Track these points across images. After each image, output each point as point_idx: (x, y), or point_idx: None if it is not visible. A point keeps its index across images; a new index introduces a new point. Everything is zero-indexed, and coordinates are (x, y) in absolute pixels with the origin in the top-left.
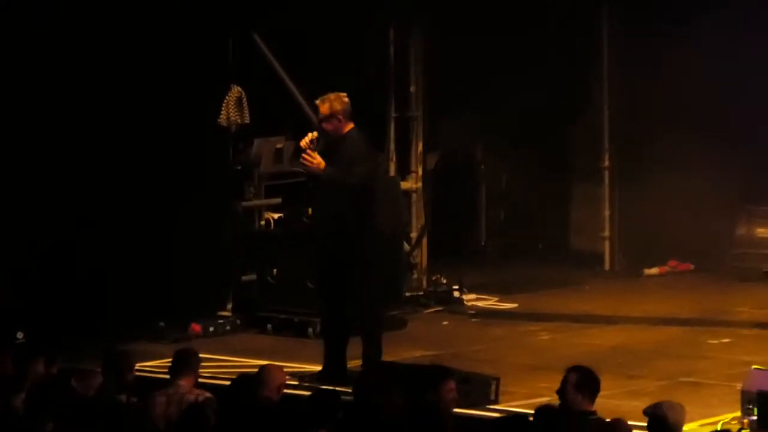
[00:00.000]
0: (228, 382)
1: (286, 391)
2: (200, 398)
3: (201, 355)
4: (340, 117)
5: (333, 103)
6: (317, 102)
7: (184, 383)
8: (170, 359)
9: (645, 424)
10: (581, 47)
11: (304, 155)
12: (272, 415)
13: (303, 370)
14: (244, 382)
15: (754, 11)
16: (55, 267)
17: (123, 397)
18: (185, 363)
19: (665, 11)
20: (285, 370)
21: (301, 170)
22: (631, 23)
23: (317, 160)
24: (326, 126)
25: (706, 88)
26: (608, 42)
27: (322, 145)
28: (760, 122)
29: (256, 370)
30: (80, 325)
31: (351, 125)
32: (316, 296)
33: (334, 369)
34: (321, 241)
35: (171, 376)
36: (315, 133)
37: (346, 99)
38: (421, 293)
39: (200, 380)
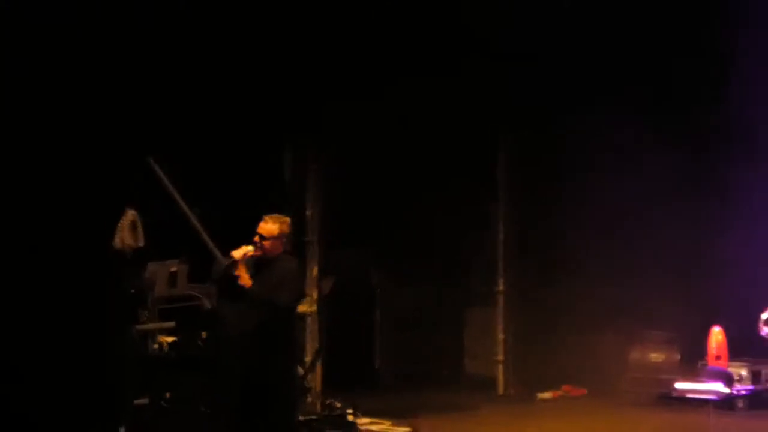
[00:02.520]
0: None
1: None
2: None
3: None
4: (284, 240)
5: (282, 225)
6: (266, 219)
7: None
8: None
9: None
10: (479, 176)
11: (237, 272)
12: None
13: None
14: None
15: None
16: None
17: None
18: None
19: (560, 140)
20: None
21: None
22: (526, 154)
23: (246, 278)
24: (266, 244)
25: (601, 220)
26: (504, 172)
27: (252, 264)
28: (653, 250)
29: None
30: None
31: (282, 249)
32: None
33: None
34: (232, 363)
35: None
36: (251, 249)
37: (289, 224)
38: (315, 417)
39: None
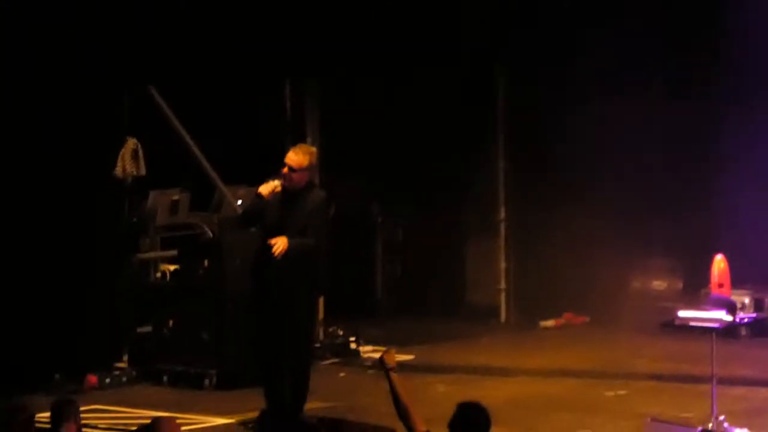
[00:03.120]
0: None
1: None
2: None
3: (97, 407)
4: (311, 171)
5: (311, 156)
6: (294, 150)
7: None
8: None
9: None
10: (478, 101)
11: (273, 249)
12: None
13: (199, 422)
14: None
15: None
16: None
17: None
18: (63, 413)
19: (561, 66)
20: (179, 422)
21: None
22: (526, 76)
23: (283, 242)
24: (295, 176)
25: (602, 145)
26: (504, 97)
27: (279, 196)
28: (656, 176)
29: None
30: None
31: (309, 184)
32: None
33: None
34: (269, 297)
35: (53, 428)
36: (278, 184)
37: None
38: (318, 345)
39: None
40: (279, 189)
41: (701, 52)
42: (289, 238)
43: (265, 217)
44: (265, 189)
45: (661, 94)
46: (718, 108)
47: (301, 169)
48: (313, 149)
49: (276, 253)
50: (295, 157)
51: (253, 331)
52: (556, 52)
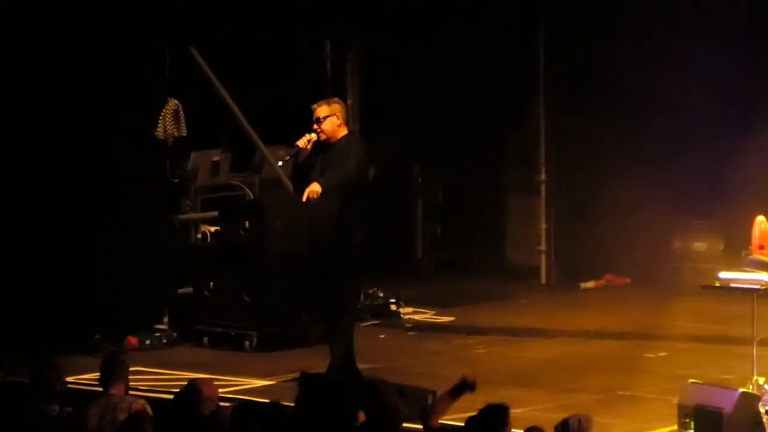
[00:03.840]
0: (165, 396)
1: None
2: (133, 406)
3: (137, 368)
4: (340, 119)
5: (333, 105)
6: (317, 104)
7: (116, 392)
8: None
9: None
10: (518, 61)
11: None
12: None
13: (240, 383)
14: (188, 395)
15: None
16: None
17: (56, 408)
18: (113, 371)
19: (601, 26)
20: (220, 384)
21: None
22: (567, 37)
23: (310, 188)
24: (325, 127)
25: (644, 104)
26: (545, 57)
27: (316, 156)
28: (696, 138)
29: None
30: (16, 337)
31: (346, 131)
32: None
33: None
34: (316, 245)
35: (102, 387)
36: (313, 135)
37: (343, 104)
38: (358, 306)
39: (138, 393)
40: (314, 139)
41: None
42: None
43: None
44: (301, 141)
45: (704, 54)
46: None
47: (326, 117)
48: (336, 99)
49: (311, 198)
50: (319, 109)
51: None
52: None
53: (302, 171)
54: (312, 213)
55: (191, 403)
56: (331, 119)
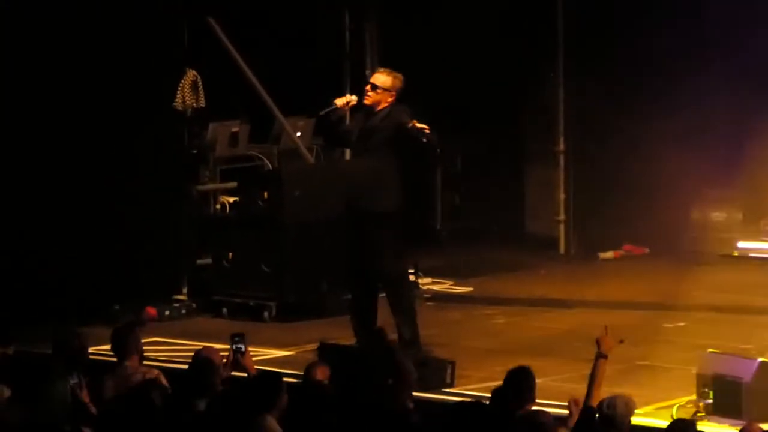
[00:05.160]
0: (183, 366)
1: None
2: (147, 376)
3: (156, 339)
4: (394, 95)
5: (395, 80)
6: (380, 70)
7: (130, 363)
8: None
9: None
10: (537, 31)
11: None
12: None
13: (259, 354)
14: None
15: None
16: (8, 251)
17: (75, 378)
18: (125, 342)
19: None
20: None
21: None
22: (589, 7)
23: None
24: (374, 95)
25: (662, 75)
26: (564, 26)
27: (363, 117)
28: (716, 106)
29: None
30: (34, 308)
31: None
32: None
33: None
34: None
35: (116, 358)
36: (354, 98)
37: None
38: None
39: (157, 364)
40: (353, 102)
41: None
42: (365, 153)
43: (351, 139)
44: (340, 100)
45: (724, 25)
46: None
47: (383, 89)
48: (401, 77)
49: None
50: (380, 77)
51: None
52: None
53: (333, 129)
54: (348, 173)
55: (205, 372)
56: (386, 95)
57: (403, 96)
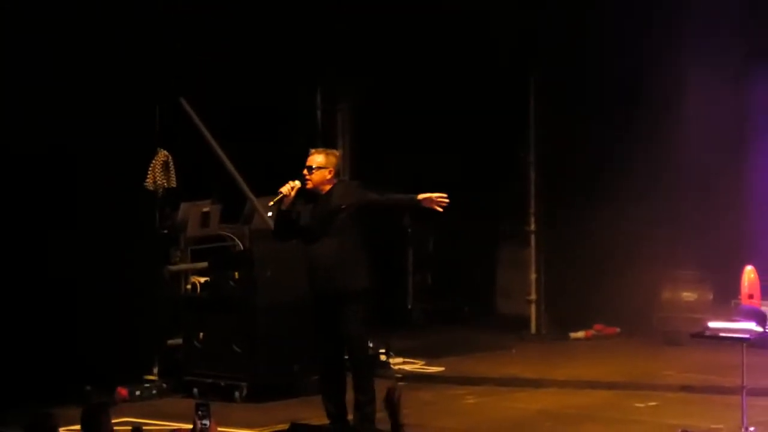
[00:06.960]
0: None
1: None
2: None
3: (127, 419)
4: (333, 172)
5: (330, 156)
6: (313, 151)
7: None
8: None
9: None
10: (509, 114)
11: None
12: None
13: None
14: None
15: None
16: None
17: None
18: (96, 423)
19: (592, 76)
20: None
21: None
22: (557, 95)
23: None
24: (315, 176)
25: (630, 159)
26: (535, 106)
27: (301, 203)
28: (684, 189)
29: None
30: (6, 390)
31: (335, 181)
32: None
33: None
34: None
35: None
36: (298, 183)
37: (339, 157)
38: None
39: None
40: (298, 187)
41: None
42: (327, 235)
43: (301, 225)
44: (284, 188)
45: (697, 106)
46: (747, 117)
47: (320, 168)
48: (335, 151)
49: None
50: (315, 157)
51: (313, 337)
52: (585, 64)
53: (285, 223)
54: (312, 257)
55: None
56: (323, 172)
57: (366, 174)
